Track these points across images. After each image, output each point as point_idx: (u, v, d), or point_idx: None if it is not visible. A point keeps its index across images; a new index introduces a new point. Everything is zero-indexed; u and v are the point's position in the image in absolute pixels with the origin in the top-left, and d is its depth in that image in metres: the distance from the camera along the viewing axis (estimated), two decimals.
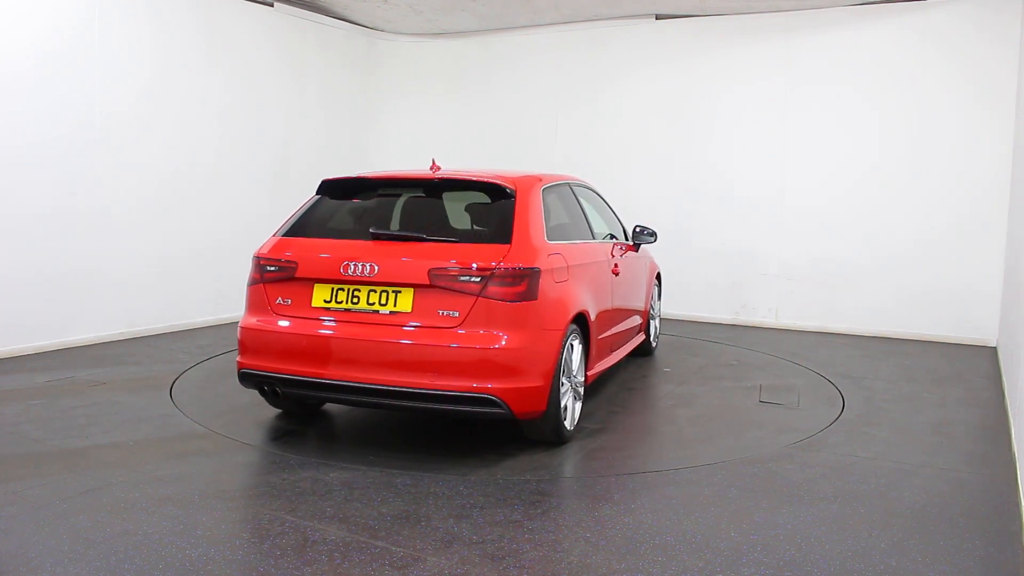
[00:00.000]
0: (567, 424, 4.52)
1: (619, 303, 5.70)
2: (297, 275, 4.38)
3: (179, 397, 5.42)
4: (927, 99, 7.95)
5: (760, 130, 8.69)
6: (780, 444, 4.61)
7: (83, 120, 6.84)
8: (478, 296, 4.09)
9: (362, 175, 4.89)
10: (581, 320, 4.74)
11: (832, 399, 5.52)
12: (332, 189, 4.83)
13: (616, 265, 5.65)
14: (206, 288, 7.92)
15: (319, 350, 4.24)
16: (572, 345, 4.55)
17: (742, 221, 8.82)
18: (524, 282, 4.15)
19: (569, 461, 4.33)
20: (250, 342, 4.45)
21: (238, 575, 2.94)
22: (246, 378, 4.50)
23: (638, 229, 6.35)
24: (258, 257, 4.55)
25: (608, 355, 5.51)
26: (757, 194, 8.74)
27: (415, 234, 4.35)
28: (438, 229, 4.52)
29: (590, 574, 3.00)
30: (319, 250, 4.42)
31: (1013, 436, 4.74)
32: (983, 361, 7.13)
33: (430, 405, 4.17)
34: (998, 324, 7.64)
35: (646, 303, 6.71)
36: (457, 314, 4.09)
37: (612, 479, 4.04)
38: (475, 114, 10.15)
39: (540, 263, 4.28)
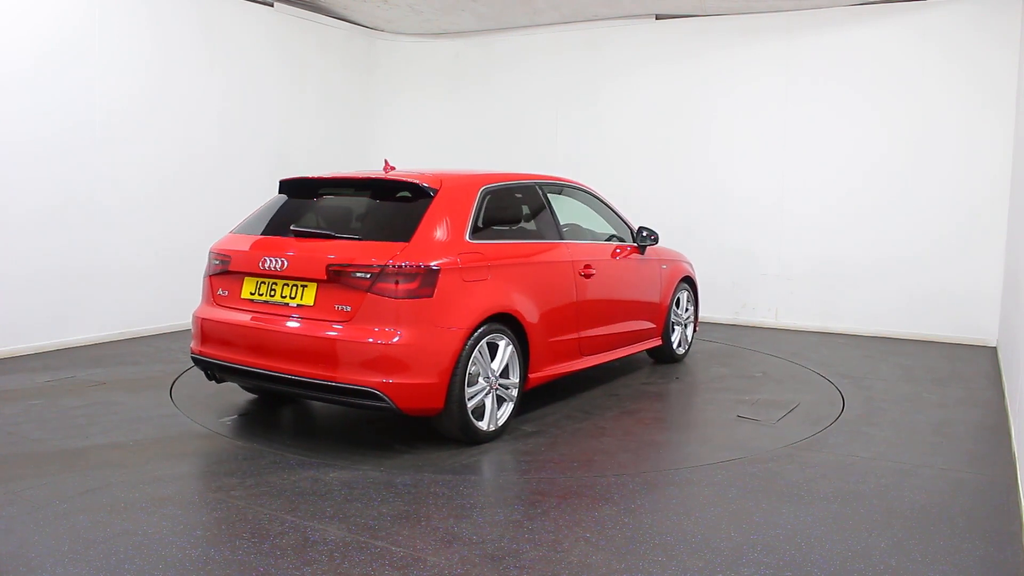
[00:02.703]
0: (484, 425, 4.51)
1: (595, 305, 5.54)
2: (230, 268, 4.70)
3: (179, 397, 5.42)
4: (927, 99, 7.94)
5: (760, 130, 8.69)
6: (706, 461, 4.36)
7: (83, 119, 6.84)
8: (367, 292, 4.19)
9: (308, 176, 5.13)
10: (510, 320, 4.70)
11: (821, 419, 5.16)
12: (288, 188, 5.08)
13: (587, 266, 5.45)
14: None
15: (242, 338, 4.54)
16: (496, 345, 4.58)
17: (742, 221, 8.82)
18: (417, 280, 4.21)
19: (460, 460, 4.31)
20: (197, 329, 4.81)
21: (238, 575, 2.94)
22: (195, 363, 4.85)
23: (645, 233, 6.21)
24: (210, 251, 4.92)
25: (574, 359, 5.35)
26: (757, 194, 8.74)
27: (324, 231, 4.56)
28: (353, 227, 4.69)
29: (590, 574, 3.00)
30: (249, 245, 4.71)
31: (1013, 436, 4.74)
32: (983, 361, 7.13)
33: (323, 396, 4.39)
34: (998, 324, 7.64)
35: (660, 306, 6.46)
36: (349, 309, 4.23)
37: (612, 479, 4.04)
38: (475, 114, 10.15)
39: (441, 261, 4.30)
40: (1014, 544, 3.34)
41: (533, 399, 5.43)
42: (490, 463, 4.30)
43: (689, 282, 7.00)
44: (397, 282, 4.18)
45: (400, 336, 4.15)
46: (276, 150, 8.78)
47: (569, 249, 5.41)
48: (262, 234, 4.77)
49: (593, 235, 6.04)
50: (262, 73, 8.59)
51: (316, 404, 5.31)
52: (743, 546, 3.26)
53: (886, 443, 4.70)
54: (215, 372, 4.77)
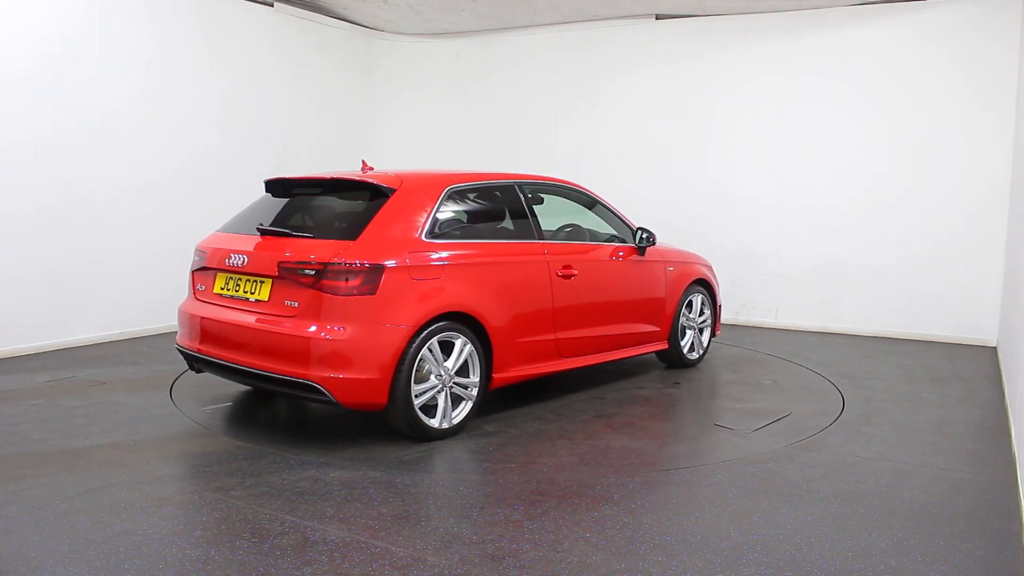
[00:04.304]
0: (436, 422, 4.54)
1: (577, 306, 5.46)
2: (207, 264, 4.91)
3: (179, 397, 5.42)
4: (927, 99, 7.94)
5: (760, 130, 8.69)
6: (658, 468, 4.33)
7: (83, 119, 6.84)
8: (312, 288, 4.30)
9: (286, 176, 5.25)
10: (468, 320, 4.69)
11: (803, 430, 4.89)
12: (271, 187, 5.19)
13: (567, 267, 5.37)
14: None
15: (211, 331, 4.73)
16: (451, 344, 4.59)
17: (742, 221, 8.82)
18: (359, 277, 4.29)
19: (395, 456, 4.34)
20: (179, 322, 5.06)
21: (238, 575, 2.95)
22: (180, 353, 5.06)
23: (644, 235, 6.08)
24: (195, 248, 5.13)
25: (550, 360, 5.28)
26: (757, 194, 8.74)
27: (284, 230, 4.70)
28: (311, 225, 4.86)
29: (590, 574, 3.00)
30: (221, 243, 4.90)
31: (1013, 436, 4.74)
32: (983, 361, 7.13)
33: (272, 387, 4.56)
34: (998, 324, 7.64)
35: (664, 309, 6.26)
36: (296, 304, 4.37)
37: (612, 479, 4.04)
38: (475, 114, 10.15)
39: (387, 260, 4.37)
40: (1014, 544, 3.34)
41: (513, 398, 5.44)
42: (425, 461, 4.26)
43: (705, 285, 6.75)
44: (343, 279, 4.27)
45: (341, 332, 4.24)
46: (276, 150, 8.78)
47: (546, 249, 5.34)
48: (238, 232, 4.93)
49: (593, 236, 6.01)
50: (262, 73, 8.59)
51: (313, 403, 5.30)
52: (743, 546, 3.26)
53: (886, 443, 4.70)
54: (193, 363, 4.98)
